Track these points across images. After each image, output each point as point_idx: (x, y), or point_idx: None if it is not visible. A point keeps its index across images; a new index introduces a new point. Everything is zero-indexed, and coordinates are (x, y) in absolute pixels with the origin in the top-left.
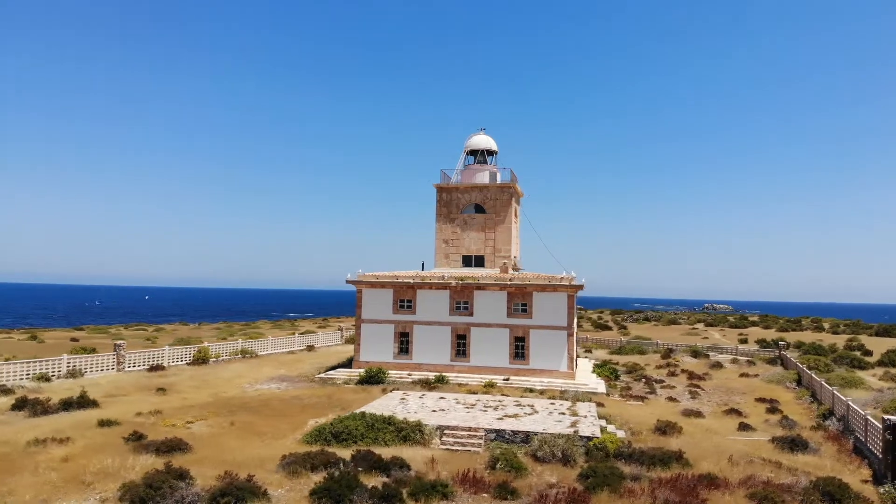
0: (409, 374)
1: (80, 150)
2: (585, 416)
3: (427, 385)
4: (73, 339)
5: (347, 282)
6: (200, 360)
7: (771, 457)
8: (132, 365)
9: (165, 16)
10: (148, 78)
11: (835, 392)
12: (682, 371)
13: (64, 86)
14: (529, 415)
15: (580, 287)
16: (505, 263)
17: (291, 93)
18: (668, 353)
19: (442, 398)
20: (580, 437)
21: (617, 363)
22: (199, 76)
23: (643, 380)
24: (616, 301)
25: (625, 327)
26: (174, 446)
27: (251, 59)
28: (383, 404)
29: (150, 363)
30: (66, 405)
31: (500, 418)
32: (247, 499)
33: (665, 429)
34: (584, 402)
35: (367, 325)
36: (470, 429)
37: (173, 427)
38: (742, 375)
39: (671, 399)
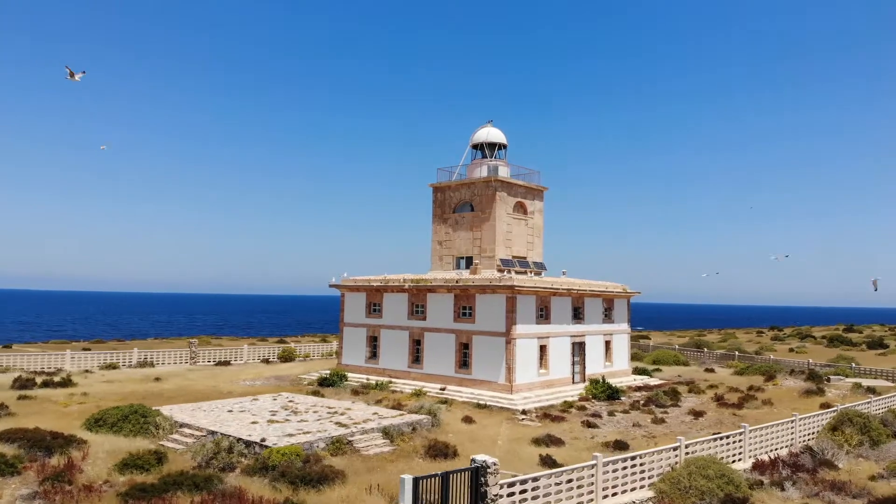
0: (368, 378)
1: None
2: (347, 427)
3: (360, 392)
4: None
5: (330, 286)
6: (285, 358)
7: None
8: (205, 360)
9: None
10: (142, 82)
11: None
12: (745, 396)
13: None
14: (302, 421)
15: (511, 289)
16: (476, 264)
17: (305, 107)
18: (772, 374)
19: (292, 401)
20: (259, 444)
21: (690, 382)
22: (190, 73)
23: (651, 403)
24: None
25: (886, 345)
26: None
27: (245, 57)
28: (233, 402)
29: (217, 359)
30: (47, 383)
31: (255, 422)
32: None
33: (436, 451)
34: (420, 415)
35: (348, 329)
36: (198, 428)
37: (58, 405)
38: (822, 406)
39: (592, 426)
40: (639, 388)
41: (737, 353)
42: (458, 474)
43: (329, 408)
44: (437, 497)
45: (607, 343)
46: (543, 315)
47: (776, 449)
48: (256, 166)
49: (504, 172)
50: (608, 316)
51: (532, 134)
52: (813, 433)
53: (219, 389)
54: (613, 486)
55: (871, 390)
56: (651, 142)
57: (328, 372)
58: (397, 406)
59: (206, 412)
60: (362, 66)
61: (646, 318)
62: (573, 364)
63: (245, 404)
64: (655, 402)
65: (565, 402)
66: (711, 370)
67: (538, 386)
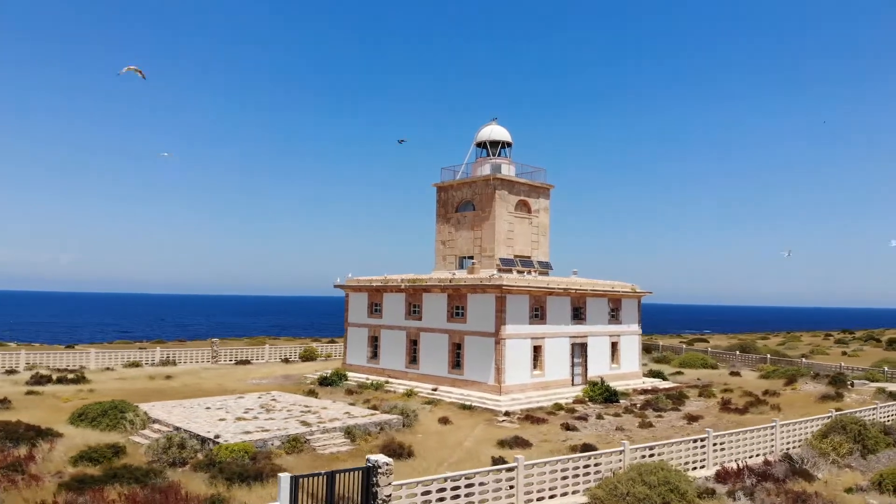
0: (367, 378)
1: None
2: (310, 425)
3: (354, 391)
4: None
5: (335, 286)
6: (306, 357)
7: None
8: (227, 359)
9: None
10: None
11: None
12: (756, 400)
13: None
14: (269, 419)
15: (499, 288)
16: (473, 265)
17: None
18: (794, 378)
19: (274, 399)
20: (213, 441)
21: (706, 385)
22: (193, 75)
23: (648, 406)
24: None
25: None
26: None
27: (243, 55)
28: (219, 399)
29: (238, 359)
30: (60, 380)
31: (223, 419)
32: None
33: (390, 452)
34: (391, 415)
35: (352, 329)
36: (167, 424)
37: (60, 400)
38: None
39: (571, 429)
40: (645, 392)
41: (769, 356)
42: (348, 474)
43: (306, 406)
44: (322, 497)
45: (614, 344)
46: (538, 315)
47: (751, 456)
48: (265, 169)
49: (508, 170)
50: (615, 316)
51: (550, 134)
52: (799, 440)
53: (223, 387)
54: (539, 491)
55: (894, 396)
56: (674, 140)
57: (329, 372)
58: (376, 406)
59: (186, 409)
60: (367, 67)
61: (712, 322)
62: (573, 366)
63: (228, 402)
64: (654, 406)
65: (556, 404)
66: (737, 373)
67: (531, 387)
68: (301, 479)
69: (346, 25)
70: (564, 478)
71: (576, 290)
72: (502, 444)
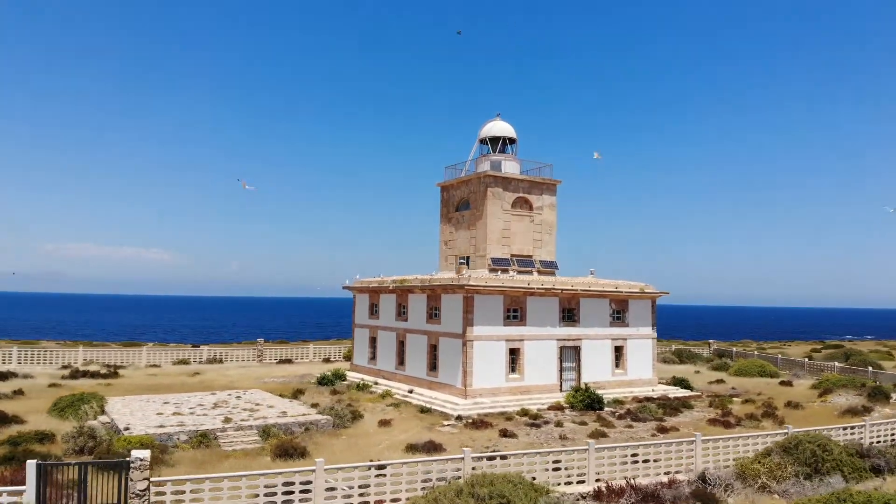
0: (363, 379)
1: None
2: (231, 422)
3: (339, 392)
4: None
5: (344, 288)
6: (349, 357)
7: None
8: (271, 359)
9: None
10: (141, 78)
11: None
12: (766, 412)
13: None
14: (203, 415)
15: (463, 288)
16: (461, 265)
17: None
18: (829, 389)
19: (239, 397)
20: (122, 431)
21: (731, 396)
22: (191, 70)
23: (628, 416)
24: None
25: None
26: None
27: (244, 54)
28: (188, 395)
29: (281, 357)
30: (94, 375)
31: (160, 413)
32: None
33: (282, 451)
34: (323, 416)
35: (357, 330)
36: (110, 415)
37: (74, 390)
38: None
39: (509, 436)
40: (649, 399)
41: (836, 363)
42: (103, 467)
43: (256, 405)
44: (72, 487)
45: (618, 348)
46: (517, 316)
47: (659, 473)
48: (292, 179)
49: (511, 167)
50: (620, 318)
51: (577, 133)
52: (733, 459)
53: (232, 384)
54: (346, 497)
55: None
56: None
57: (329, 372)
58: (314, 405)
59: (142, 402)
60: (370, 67)
61: (874, 327)
62: (561, 370)
63: (191, 399)
64: (634, 415)
65: (523, 409)
66: (789, 383)
67: (506, 392)
68: (51, 468)
69: (347, 24)
70: (381, 485)
71: (563, 290)
72: (411, 448)
